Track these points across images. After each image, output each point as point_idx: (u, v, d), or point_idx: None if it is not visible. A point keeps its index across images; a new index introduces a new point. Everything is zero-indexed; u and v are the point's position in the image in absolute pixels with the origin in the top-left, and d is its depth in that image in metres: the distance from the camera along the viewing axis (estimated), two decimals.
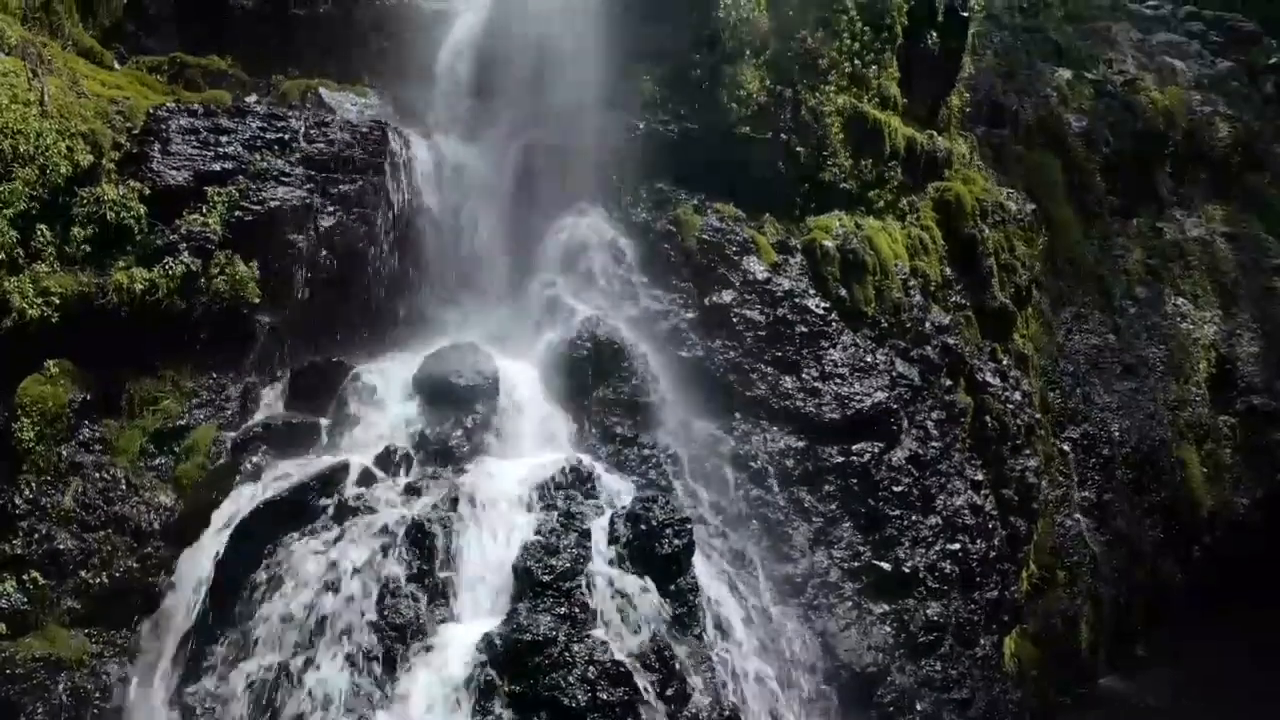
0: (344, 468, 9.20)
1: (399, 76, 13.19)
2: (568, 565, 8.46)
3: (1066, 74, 19.10)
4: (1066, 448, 16.01)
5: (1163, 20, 21.71)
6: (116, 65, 12.19)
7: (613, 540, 8.87)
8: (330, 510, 8.87)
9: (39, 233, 9.52)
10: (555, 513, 8.93)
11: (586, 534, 8.80)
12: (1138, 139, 19.30)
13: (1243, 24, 22.35)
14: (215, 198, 10.07)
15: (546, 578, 8.35)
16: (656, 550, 8.82)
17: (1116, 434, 16.86)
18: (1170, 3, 22.16)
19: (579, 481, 9.28)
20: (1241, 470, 18.50)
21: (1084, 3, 20.91)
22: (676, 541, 8.89)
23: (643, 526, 8.89)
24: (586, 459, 9.60)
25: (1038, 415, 14.40)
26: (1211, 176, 20.46)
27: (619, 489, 9.48)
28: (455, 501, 8.87)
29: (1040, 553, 14.47)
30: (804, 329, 11.60)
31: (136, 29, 12.90)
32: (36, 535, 8.94)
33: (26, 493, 9.05)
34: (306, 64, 13.14)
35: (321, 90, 12.30)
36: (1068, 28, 20.12)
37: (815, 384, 11.40)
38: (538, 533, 8.70)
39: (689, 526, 9.05)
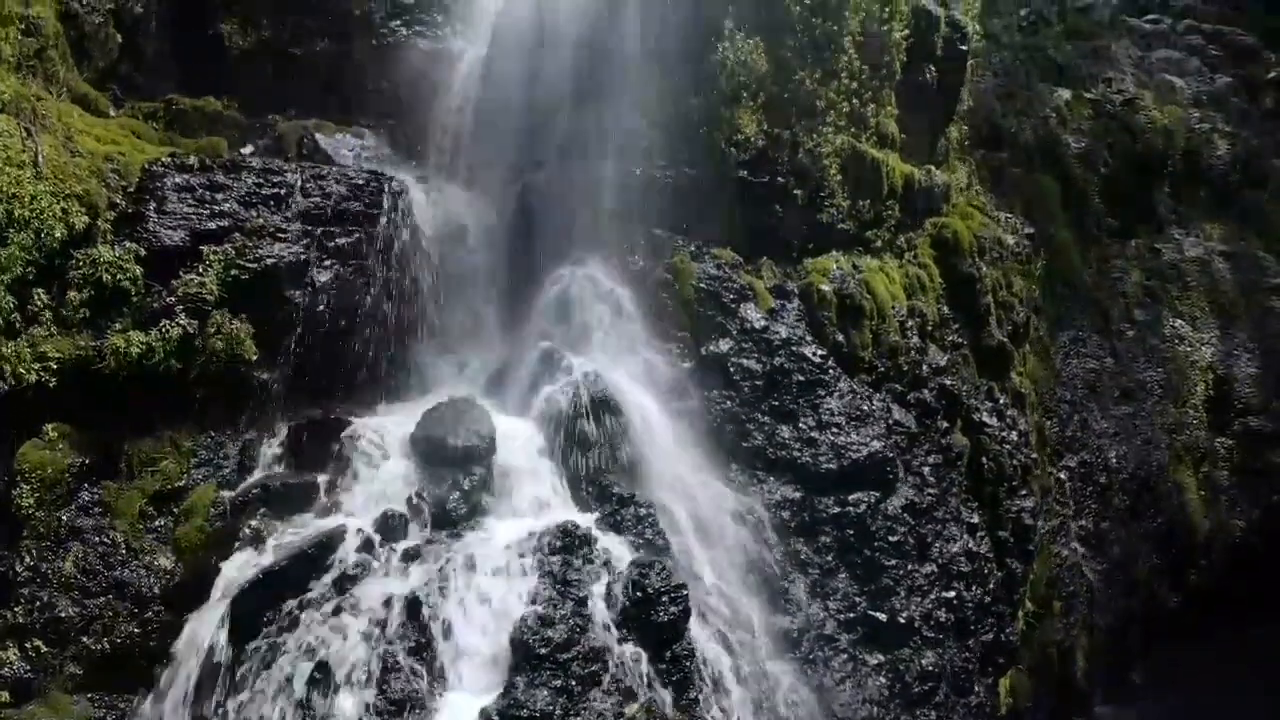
0: (342, 533, 9.19)
1: (397, 116, 13.19)
2: (564, 637, 8.52)
3: (1065, 94, 19.00)
4: (1063, 476, 16.03)
5: (1162, 35, 21.56)
6: (112, 110, 12.14)
7: (609, 607, 8.93)
8: (329, 579, 8.89)
9: (35, 297, 9.51)
10: (552, 579, 8.98)
11: (583, 602, 8.87)
12: (1136, 159, 19.21)
13: (1242, 37, 22.19)
14: (211, 257, 10.01)
15: (543, 650, 8.41)
16: (653, 618, 8.89)
17: (1113, 460, 16.89)
18: (1170, 16, 22.01)
19: (575, 545, 9.28)
20: (1238, 493, 18.52)
21: (1083, 19, 20.76)
22: (673, 609, 8.96)
23: (639, 594, 8.94)
24: (583, 521, 9.61)
25: (1034, 455, 14.41)
26: (1210, 194, 20.38)
27: (616, 551, 9.48)
28: (453, 570, 8.90)
29: (1036, 585, 14.51)
30: (801, 377, 11.59)
31: (132, 70, 12.76)
32: (38, 603, 8.97)
33: (27, 559, 9.08)
34: (304, 103, 13.11)
35: (318, 135, 12.28)
36: (1067, 45, 19.98)
37: (812, 433, 11.41)
38: (534, 602, 8.77)
39: (685, 593, 9.10)
